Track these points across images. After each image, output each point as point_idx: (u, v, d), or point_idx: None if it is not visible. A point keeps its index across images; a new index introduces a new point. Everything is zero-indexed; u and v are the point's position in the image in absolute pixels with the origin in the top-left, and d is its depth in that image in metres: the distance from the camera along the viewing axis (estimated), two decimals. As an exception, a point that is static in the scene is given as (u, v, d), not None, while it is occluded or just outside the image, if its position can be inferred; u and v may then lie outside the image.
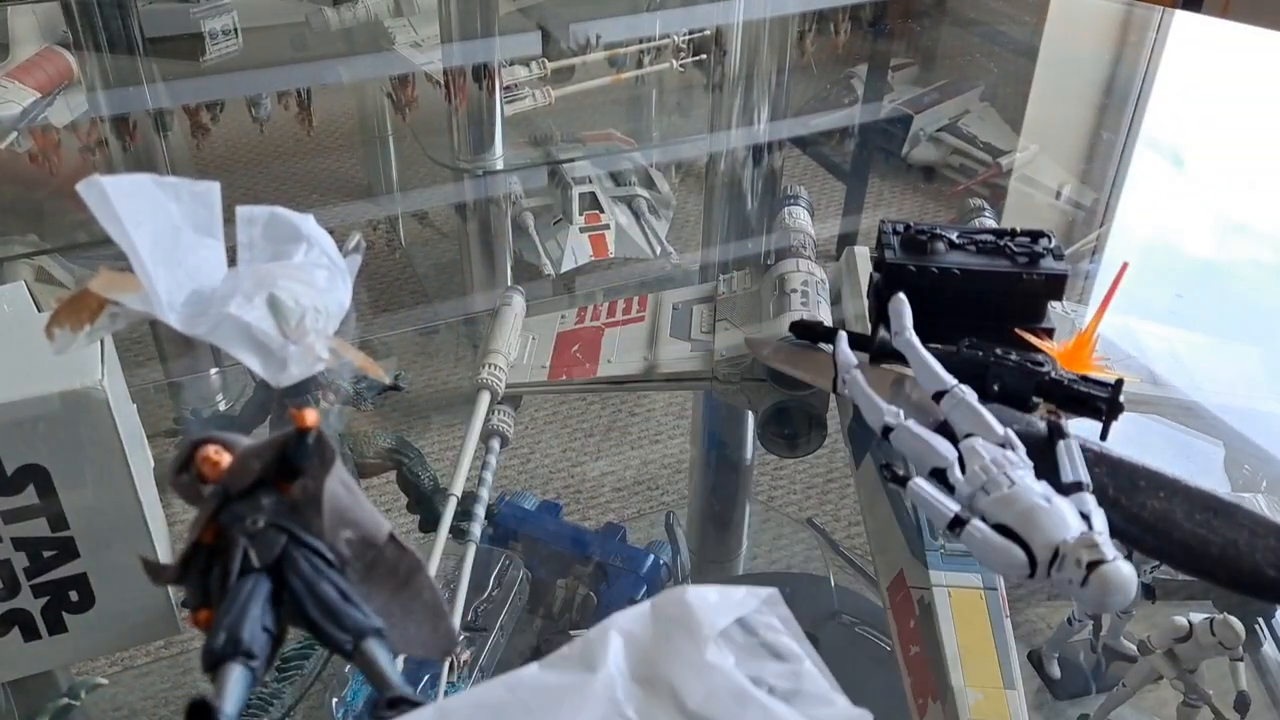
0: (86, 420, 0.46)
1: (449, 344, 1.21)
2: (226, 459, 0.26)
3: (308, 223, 0.35)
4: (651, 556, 0.81)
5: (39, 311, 0.55)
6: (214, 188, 0.33)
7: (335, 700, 0.52)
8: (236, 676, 0.22)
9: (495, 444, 0.63)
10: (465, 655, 0.55)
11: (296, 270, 0.33)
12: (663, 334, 0.67)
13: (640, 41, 1.73)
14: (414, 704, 0.22)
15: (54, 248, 1.22)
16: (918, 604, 0.47)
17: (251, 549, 0.24)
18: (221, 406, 0.75)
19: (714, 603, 0.23)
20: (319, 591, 0.24)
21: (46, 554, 0.49)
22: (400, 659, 0.26)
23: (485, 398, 0.63)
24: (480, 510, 0.59)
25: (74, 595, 0.50)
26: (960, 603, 0.45)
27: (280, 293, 0.31)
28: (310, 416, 0.25)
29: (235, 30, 1.46)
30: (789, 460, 0.68)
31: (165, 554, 0.53)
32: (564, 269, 1.42)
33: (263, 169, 1.71)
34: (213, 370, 1.03)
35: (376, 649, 0.23)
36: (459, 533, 0.59)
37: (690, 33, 1.69)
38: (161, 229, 0.31)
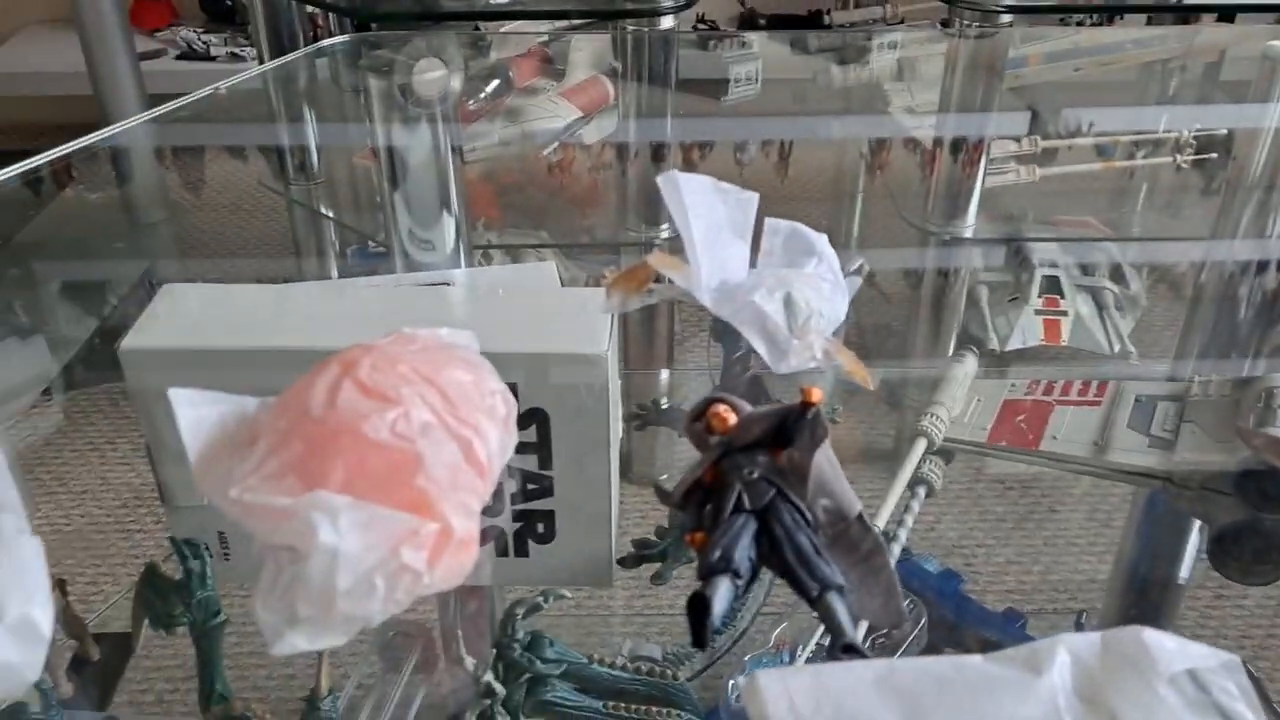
0: (588, 381, 0.54)
1: (873, 399, 1.23)
2: (733, 418, 0.31)
3: (822, 240, 0.39)
4: (1052, 652, 0.78)
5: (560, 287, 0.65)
6: (754, 197, 0.38)
7: (732, 682, 0.57)
8: (725, 588, 0.26)
9: (921, 492, 0.64)
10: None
11: (808, 278, 0.37)
12: (1119, 423, 0.65)
13: (1136, 133, 1.65)
14: (864, 655, 0.25)
15: (558, 244, 1.41)
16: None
17: (745, 493, 0.28)
18: (664, 403, 0.83)
19: (1170, 649, 0.24)
20: (796, 541, 0.27)
21: (530, 487, 0.57)
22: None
23: (921, 445, 0.65)
24: (897, 550, 0.61)
25: (540, 528, 0.59)
26: None
27: (795, 293, 0.35)
28: (815, 394, 0.28)
29: (756, 78, 1.59)
30: (1229, 591, 0.63)
31: (615, 511, 0.61)
32: (1010, 347, 1.38)
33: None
34: (664, 371, 1.14)
35: (836, 601, 0.27)
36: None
37: (1198, 131, 1.58)
38: (710, 223, 0.36)
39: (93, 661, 0.61)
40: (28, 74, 2.60)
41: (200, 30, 2.75)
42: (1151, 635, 0.24)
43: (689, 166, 1.82)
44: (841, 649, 0.25)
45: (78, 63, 2.14)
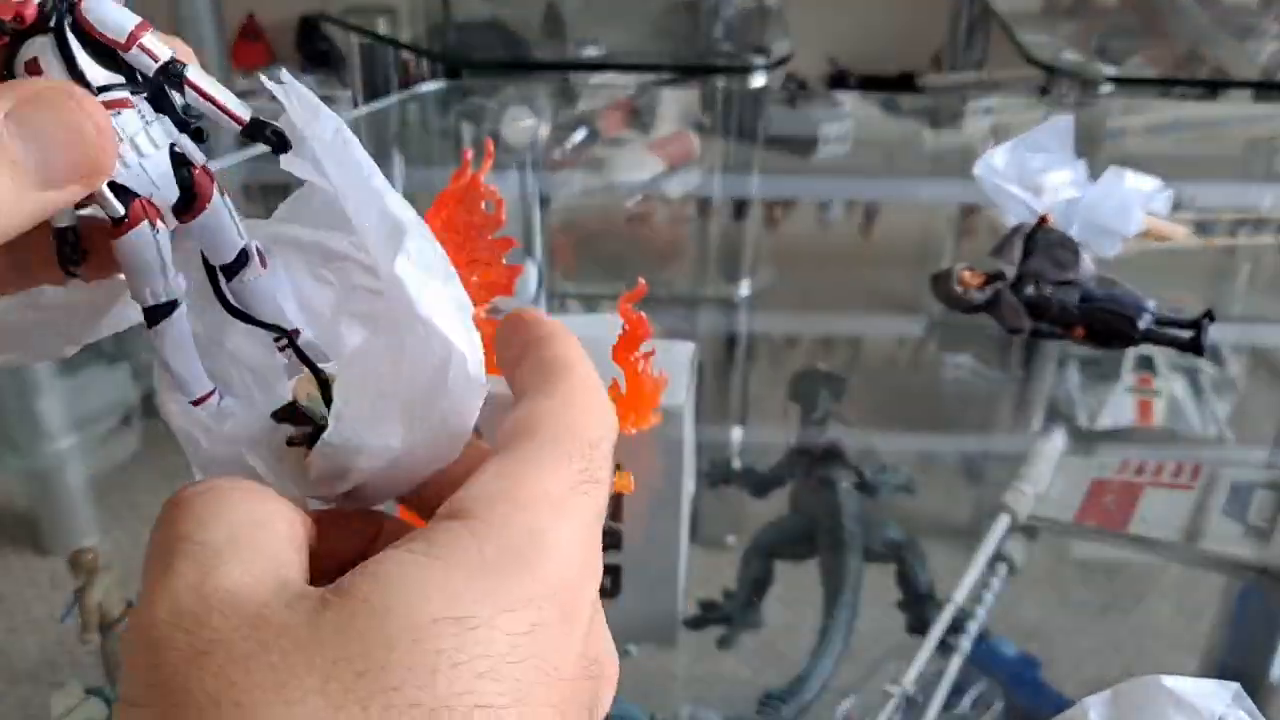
0: (666, 434, 0.53)
1: (950, 473, 1.21)
2: (980, 277, 0.29)
3: None
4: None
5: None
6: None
7: None
8: None
9: (1002, 569, 0.62)
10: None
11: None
12: (1212, 509, 0.62)
13: (1238, 211, 1.61)
14: None
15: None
16: None
17: None
18: (736, 463, 0.81)
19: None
20: None
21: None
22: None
23: (1004, 520, 0.63)
24: (973, 628, 0.59)
25: (607, 581, 0.58)
26: None
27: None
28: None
29: (847, 138, 1.59)
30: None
31: (683, 569, 0.60)
32: (1099, 425, 1.34)
33: (818, 266, 1.82)
34: (736, 430, 1.13)
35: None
36: (944, 645, 0.59)
37: (1308, 210, 1.53)
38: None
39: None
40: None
41: (296, 72, 2.85)
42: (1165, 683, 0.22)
43: (770, 224, 1.81)
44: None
45: (177, 98, 2.23)
